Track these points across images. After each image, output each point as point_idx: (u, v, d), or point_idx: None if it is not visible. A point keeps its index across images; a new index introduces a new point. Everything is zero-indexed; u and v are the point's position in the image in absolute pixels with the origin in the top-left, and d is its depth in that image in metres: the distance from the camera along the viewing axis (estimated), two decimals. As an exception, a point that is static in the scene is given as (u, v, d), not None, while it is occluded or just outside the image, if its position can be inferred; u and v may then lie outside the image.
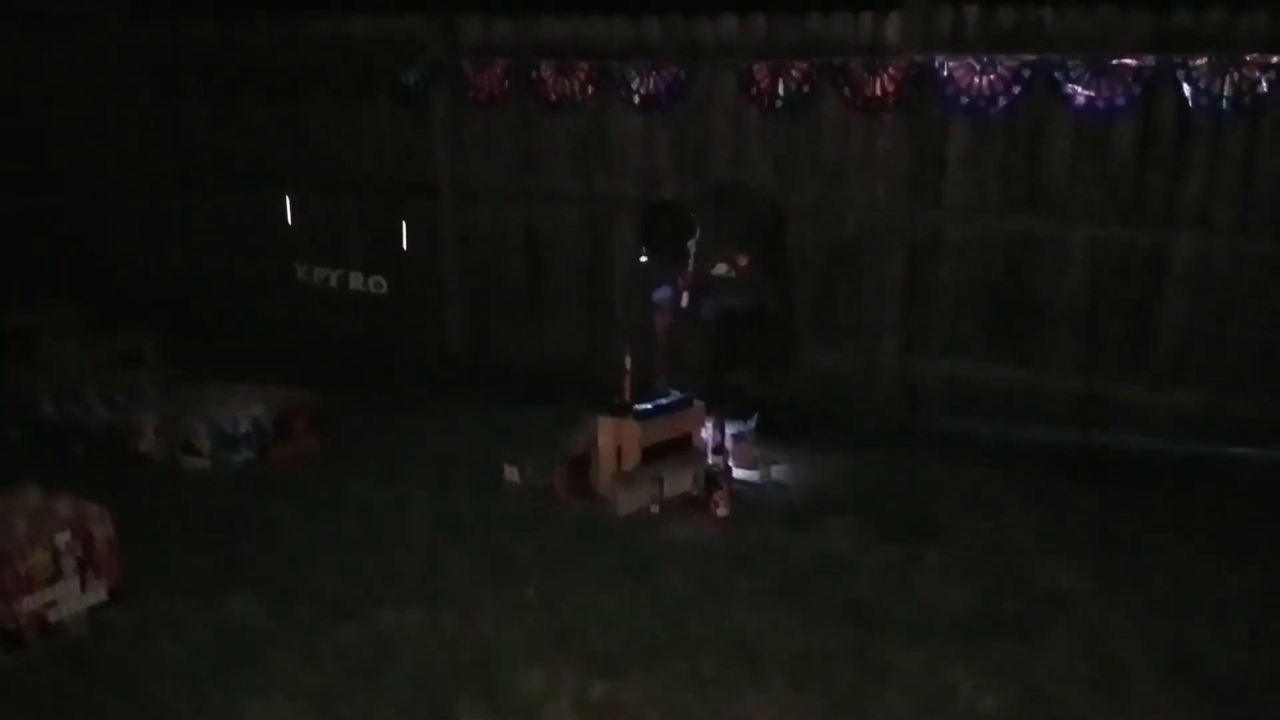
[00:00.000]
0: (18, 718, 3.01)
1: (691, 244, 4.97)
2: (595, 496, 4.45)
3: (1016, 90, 5.10)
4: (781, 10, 5.56)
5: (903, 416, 5.53)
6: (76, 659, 3.24)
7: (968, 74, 5.16)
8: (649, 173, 6.06)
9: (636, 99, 5.89)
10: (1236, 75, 4.72)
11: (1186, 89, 4.83)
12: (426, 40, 6.38)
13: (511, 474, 4.63)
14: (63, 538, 3.35)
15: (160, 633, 3.36)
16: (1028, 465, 4.91)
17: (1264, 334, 4.96)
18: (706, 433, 4.77)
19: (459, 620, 3.45)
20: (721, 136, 5.84)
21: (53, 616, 3.32)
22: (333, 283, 7.02)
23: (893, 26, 5.31)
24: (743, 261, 4.97)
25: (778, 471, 4.79)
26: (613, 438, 4.47)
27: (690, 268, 5.00)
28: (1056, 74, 5.00)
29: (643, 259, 5.04)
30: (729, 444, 4.76)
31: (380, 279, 6.89)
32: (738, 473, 4.69)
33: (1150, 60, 4.85)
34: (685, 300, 5.05)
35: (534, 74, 6.07)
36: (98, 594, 3.45)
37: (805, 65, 5.46)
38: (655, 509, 4.41)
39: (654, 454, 4.54)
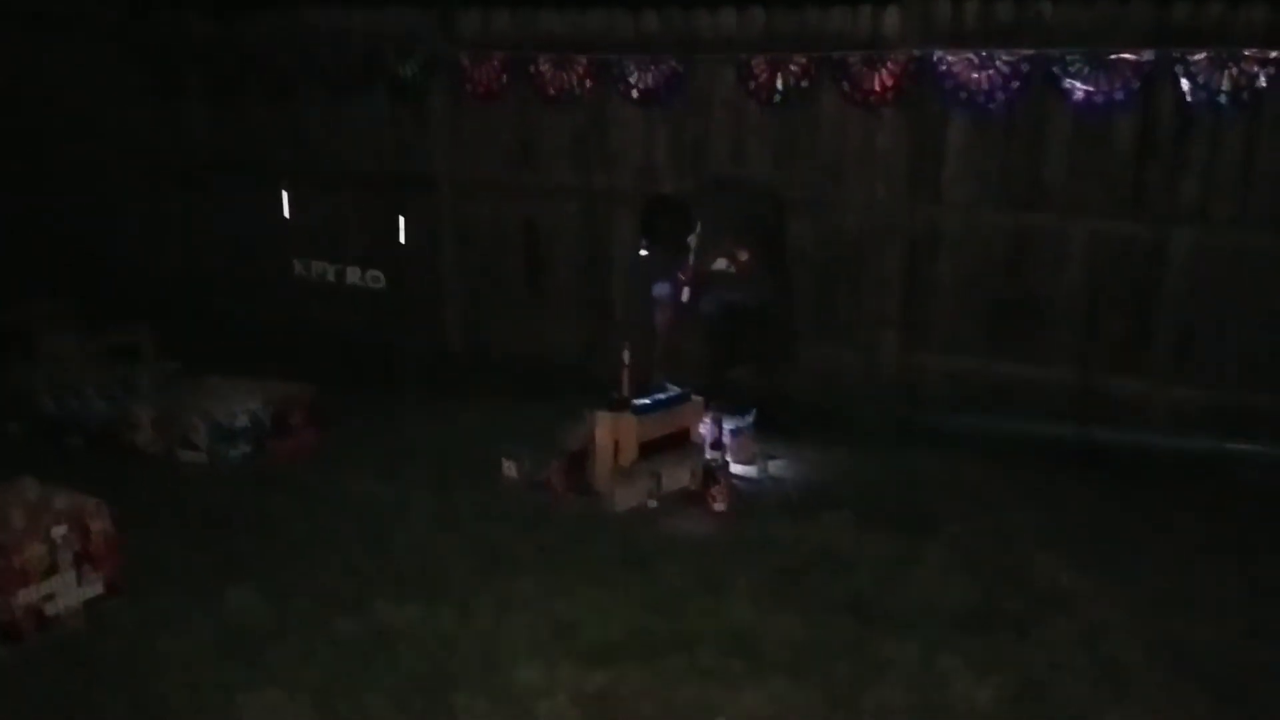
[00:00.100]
0: (15, 712, 3.00)
1: (692, 239, 4.96)
2: (593, 491, 4.45)
3: (1015, 85, 5.10)
4: (780, 3, 5.55)
5: (902, 412, 5.52)
6: (74, 653, 3.24)
7: (967, 68, 5.16)
8: (648, 167, 6.06)
9: (635, 93, 5.88)
10: (1235, 70, 4.72)
11: (1185, 84, 4.82)
12: (424, 34, 6.36)
13: (509, 469, 4.63)
14: (59, 531, 3.34)
15: (158, 627, 3.36)
16: (1026, 460, 4.91)
17: (1265, 333, 4.96)
18: (705, 428, 4.77)
19: (457, 614, 3.45)
20: (720, 131, 5.83)
21: (49, 610, 3.32)
22: (330, 278, 7.00)
23: (891, 20, 5.31)
24: (743, 257, 4.96)
25: (775, 467, 4.79)
26: (610, 433, 4.46)
27: (690, 263, 4.99)
28: (1055, 69, 5.00)
29: (642, 253, 5.03)
30: (727, 439, 4.76)
31: (378, 274, 6.87)
32: (736, 468, 4.69)
33: (1149, 55, 4.85)
34: (686, 295, 5.05)
35: (532, 68, 6.06)
36: (94, 588, 3.44)
37: (804, 59, 5.45)
38: (653, 504, 4.41)
39: (652, 449, 4.54)
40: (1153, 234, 5.10)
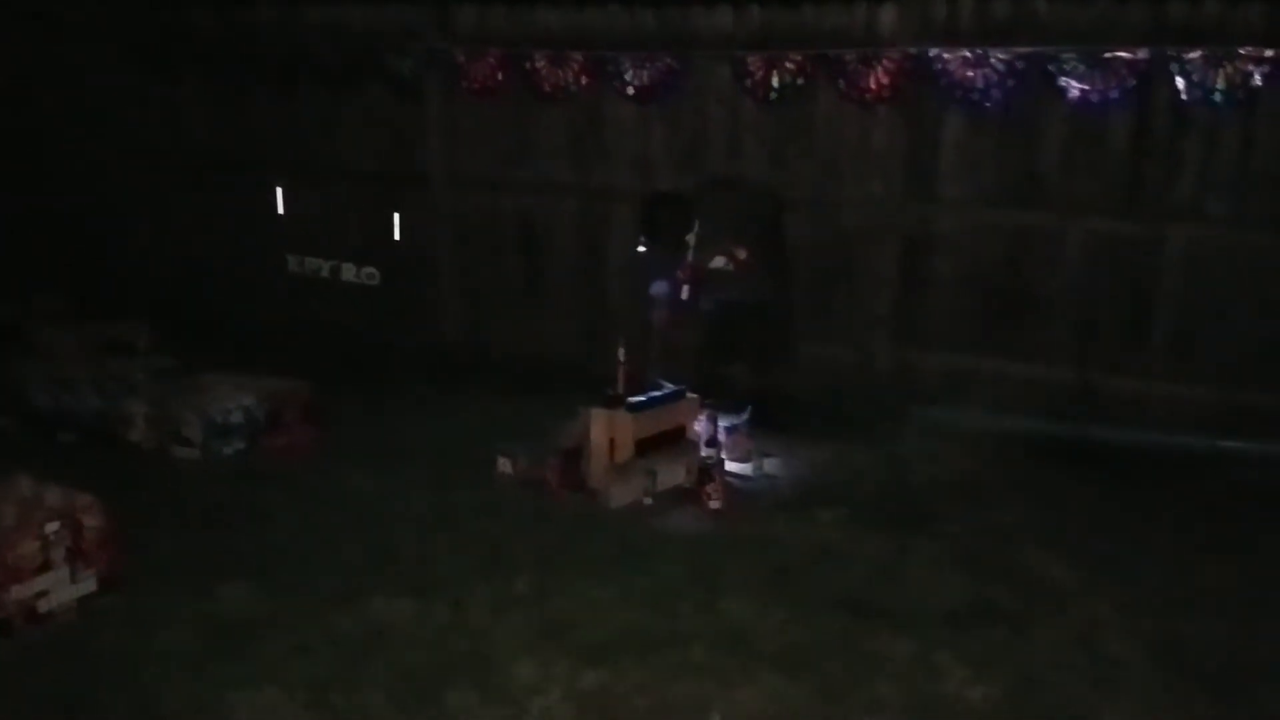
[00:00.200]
0: (8, 708, 2.99)
1: (690, 237, 4.96)
2: (588, 489, 4.45)
3: (1011, 83, 5.10)
4: (776, 1, 5.54)
5: (897, 409, 5.52)
6: (67, 649, 3.23)
7: (963, 67, 5.15)
8: (644, 164, 6.05)
9: (631, 90, 5.87)
10: (1230, 68, 4.72)
11: (1180, 82, 4.83)
12: (421, 29, 6.35)
13: (505, 465, 4.62)
14: (52, 527, 3.33)
15: (151, 623, 3.35)
16: (1022, 458, 4.92)
17: (1260, 330, 4.97)
18: (700, 425, 4.77)
19: (451, 610, 3.44)
20: (716, 128, 5.83)
21: (42, 607, 3.31)
22: (325, 274, 7.00)
23: (888, 18, 5.31)
24: (741, 255, 4.96)
25: (770, 464, 4.79)
26: (606, 430, 4.46)
27: (689, 260, 4.99)
28: (1051, 67, 5.00)
29: (640, 250, 5.03)
30: (722, 436, 4.76)
31: (373, 270, 6.88)
32: (731, 465, 4.69)
33: (1144, 54, 4.85)
34: (685, 293, 5.04)
35: (528, 65, 6.05)
36: (88, 584, 3.43)
37: (800, 57, 5.45)
38: (648, 501, 4.41)
39: (647, 446, 4.54)
40: (1148, 232, 5.10)
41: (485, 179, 6.49)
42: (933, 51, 5.20)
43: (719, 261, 5.00)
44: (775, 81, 5.52)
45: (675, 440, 4.70)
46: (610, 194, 6.14)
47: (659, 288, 5.17)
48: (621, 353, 4.56)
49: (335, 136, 6.88)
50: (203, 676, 3.08)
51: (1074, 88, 4.98)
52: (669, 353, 5.14)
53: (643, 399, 4.61)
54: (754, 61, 5.55)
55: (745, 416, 4.94)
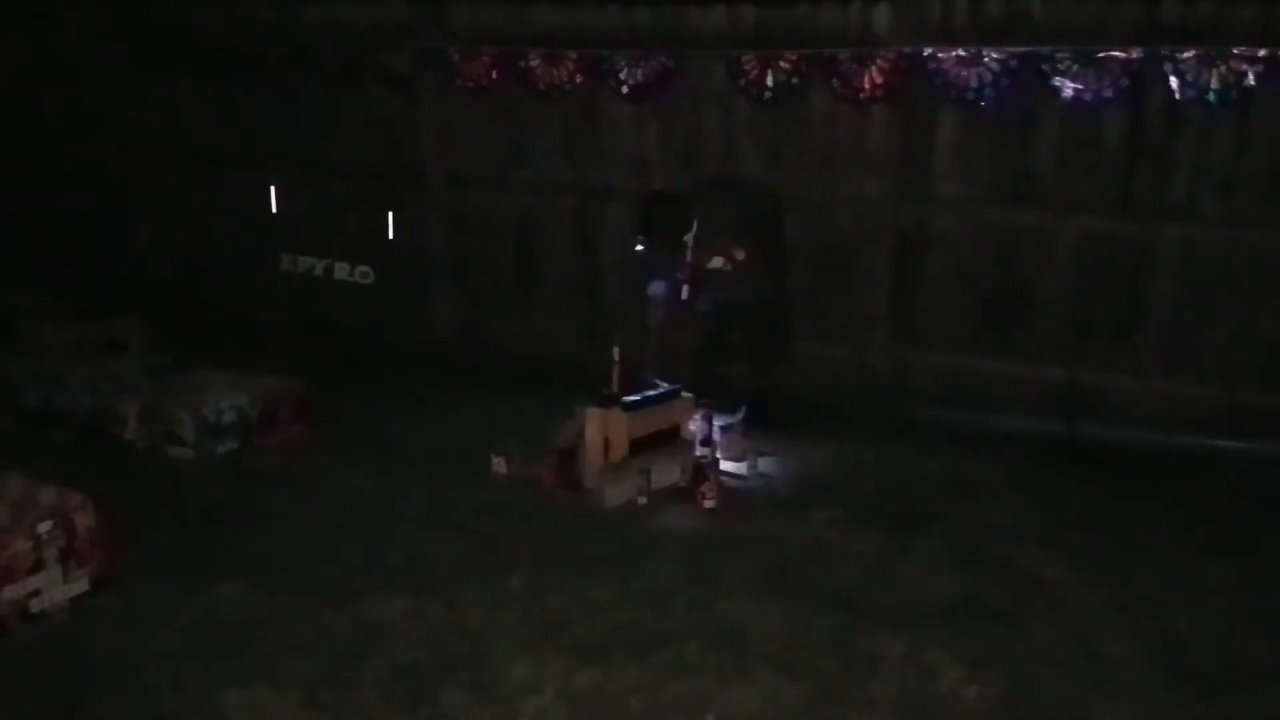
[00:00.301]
0: (3, 707, 2.98)
1: (689, 237, 4.95)
2: (583, 488, 4.44)
3: (1005, 82, 5.10)
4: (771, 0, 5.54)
5: (891, 407, 5.53)
6: (60, 648, 3.21)
7: (957, 66, 5.16)
8: (639, 162, 6.05)
9: (626, 89, 5.87)
10: (1224, 68, 4.73)
11: (1174, 82, 4.83)
12: (417, 26, 6.33)
13: (499, 465, 4.61)
14: (45, 527, 3.31)
15: (145, 622, 3.34)
16: (1015, 455, 4.93)
17: (1252, 329, 4.98)
18: (695, 424, 4.76)
19: (445, 609, 3.44)
20: (711, 127, 5.83)
21: (34, 607, 3.29)
22: (318, 272, 6.99)
23: (882, 17, 5.31)
24: (740, 256, 4.96)
25: (765, 463, 4.79)
26: (601, 429, 4.45)
27: (688, 260, 4.98)
28: (1045, 66, 5.00)
29: (639, 249, 5.03)
30: (717, 436, 4.76)
31: (367, 269, 6.87)
32: (725, 464, 4.68)
33: (1138, 53, 4.86)
34: (685, 293, 5.04)
35: (523, 63, 6.04)
36: (81, 584, 3.41)
37: (794, 56, 5.45)
38: (643, 500, 4.40)
39: (642, 446, 4.53)
40: (1142, 231, 5.12)
41: (480, 177, 6.49)
42: (927, 51, 5.20)
43: (717, 262, 5.00)
44: (770, 81, 5.52)
45: (670, 440, 4.69)
46: (606, 193, 6.14)
47: (657, 287, 5.17)
48: (616, 352, 4.56)
49: (332, 135, 6.87)
50: (197, 676, 3.06)
51: (1068, 87, 4.99)
52: (667, 353, 5.14)
53: (637, 398, 4.60)
54: (749, 61, 5.55)
55: (740, 416, 4.94)
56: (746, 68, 5.56)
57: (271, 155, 7.06)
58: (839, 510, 4.22)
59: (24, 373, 5.21)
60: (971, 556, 3.88)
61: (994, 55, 5.09)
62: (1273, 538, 4.11)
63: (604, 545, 3.96)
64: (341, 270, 6.94)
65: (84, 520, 3.42)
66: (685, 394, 4.80)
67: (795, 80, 5.48)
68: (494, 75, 6.15)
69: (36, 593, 3.29)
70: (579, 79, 5.95)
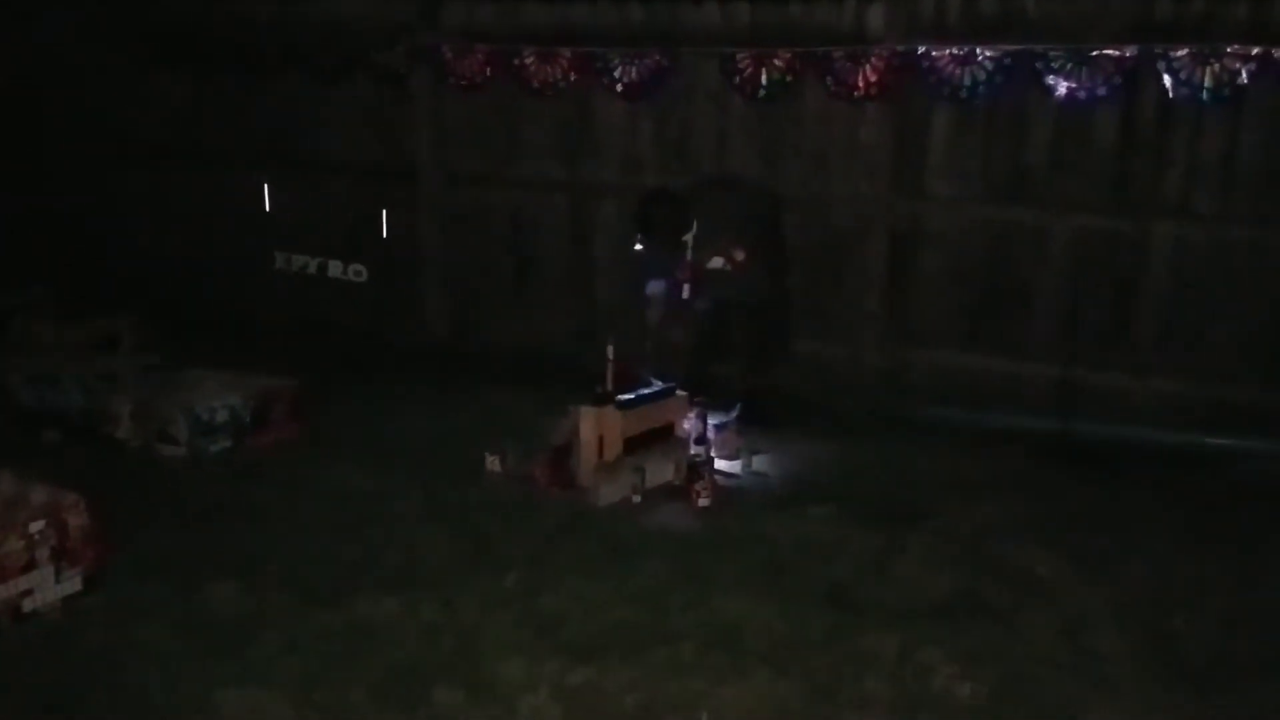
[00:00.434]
0: (-7, 706, 2.98)
1: (688, 237, 4.95)
2: (577, 486, 4.43)
3: (999, 80, 5.11)
4: (764, -3, 5.55)
5: (885, 405, 5.53)
6: (52, 647, 3.20)
7: (950, 63, 5.16)
8: (633, 160, 6.04)
9: (619, 86, 5.86)
10: (1217, 66, 4.74)
11: (1167, 79, 4.84)
12: (410, 24, 6.31)
13: (493, 463, 4.60)
14: (37, 526, 3.30)
15: (137, 621, 3.32)
16: (1008, 452, 4.93)
17: (1246, 326, 4.99)
18: (689, 423, 4.76)
19: (438, 608, 3.42)
20: (705, 125, 5.82)
21: (26, 606, 3.28)
22: (312, 270, 6.98)
23: (875, 15, 5.31)
24: (739, 255, 4.95)
25: (759, 461, 4.79)
26: (595, 427, 4.45)
27: (688, 260, 4.98)
28: (1039, 64, 5.01)
29: (637, 247, 5.02)
30: (711, 434, 4.75)
31: (360, 267, 6.86)
32: (720, 463, 4.68)
33: (1132, 51, 4.86)
34: (685, 292, 5.03)
35: (516, 61, 6.03)
36: (73, 583, 3.40)
37: (788, 54, 5.44)
38: (637, 498, 4.39)
39: (636, 444, 4.53)
40: (1135, 228, 5.12)
41: (474, 174, 6.48)
42: (920, 49, 5.21)
43: (717, 262, 4.99)
44: (764, 79, 5.52)
45: (664, 438, 4.69)
46: (600, 190, 6.13)
47: (655, 287, 5.16)
48: (610, 350, 4.55)
49: (325, 133, 6.85)
50: (189, 675, 3.05)
51: (1061, 85, 4.99)
52: (665, 351, 5.13)
53: (631, 396, 4.59)
54: (742, 59, 5.54)
55: (734, 414, 4.94)
56: (741, 66, 5.55)
57: (269, 153, 7.04)
58: (834, 508, 4.21)
59: (17, 371, 5.19)
60: (967, 554, 3.88)
61: (988, 53, 5.09)
62: (1268, 536, 4.11)
63: (598, 544, 3.95)
64: (335, 268, 6.92)
65: (77, 519, 3.41)
66: (680, 392, 4.80)
67: (789, 78, 5.48)
68: (488, 72, 6.15)
69: (29, 592, 3.28)
70: (573, 77, 5.94)
